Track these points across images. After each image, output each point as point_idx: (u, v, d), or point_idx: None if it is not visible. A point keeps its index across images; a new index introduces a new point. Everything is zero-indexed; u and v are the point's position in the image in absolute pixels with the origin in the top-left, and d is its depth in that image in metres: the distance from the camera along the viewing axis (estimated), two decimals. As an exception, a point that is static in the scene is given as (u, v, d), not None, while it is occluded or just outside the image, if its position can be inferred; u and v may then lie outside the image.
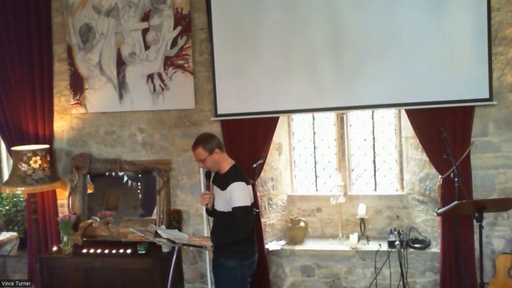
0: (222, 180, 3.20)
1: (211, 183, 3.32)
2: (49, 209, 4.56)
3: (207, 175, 3.34)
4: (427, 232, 4.09)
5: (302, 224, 4.33)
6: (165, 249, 4.08)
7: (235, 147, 4.12)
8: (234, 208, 3.08)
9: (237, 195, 3.10)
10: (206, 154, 3.17)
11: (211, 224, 3.42)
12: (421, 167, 4.12)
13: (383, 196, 4.37)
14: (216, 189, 3.26)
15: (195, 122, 4.31)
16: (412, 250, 3.98)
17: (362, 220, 4.23)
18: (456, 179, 3.61)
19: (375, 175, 4.45)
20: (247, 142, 4.09)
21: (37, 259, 4.33)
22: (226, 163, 3.25)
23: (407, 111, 3.87)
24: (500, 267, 3.67)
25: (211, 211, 3.33)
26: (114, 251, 4.15)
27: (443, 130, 3.68)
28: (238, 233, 3.11)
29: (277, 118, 4.09)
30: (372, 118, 4.42)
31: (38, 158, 4.23)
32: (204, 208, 3.48)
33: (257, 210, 4.01)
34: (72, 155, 4.58)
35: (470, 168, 3.77)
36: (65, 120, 4.62)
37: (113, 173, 4.56)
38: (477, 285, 3.60)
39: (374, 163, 4.44)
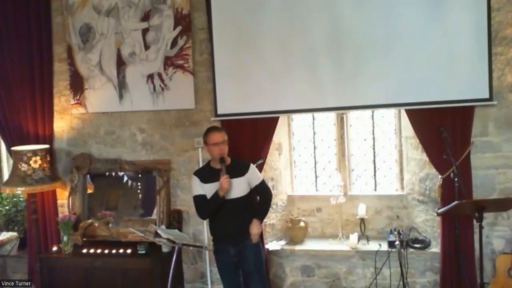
0: (236, 169, 3.48)
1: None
2: (49, 209, 4.56)
3: (222, 160, 3.45)
4: (427, 232, 4.09)
5: (302, 224, 4.33)
6: (165, 249, 4.08)
7: (235, 147, 4.11)
8: (262, 181, 3.59)
9: (258, 172, 3.66)
10: (226, 139, 3.52)
11: (223, 216, 3.50)
12: (421, 167, 4.12)
13: (383, 196, 4.37)
14: (231, 181, 3.43)
15: (195, 122, 4.31)
16: (412, 250, 3.98)
17: (362, 220, 4.23)
18: (456, 179, 3.61)
19: (375, 175, 4.45)
20: (247, 142, 4.09)
21: (37, 259, 4.33)
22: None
23: (407, 111, 3.87)
24: (500, 267, 3.67)
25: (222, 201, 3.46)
26: (114, 251, 4.15)
27: (443, 130, 3.68)
28: (271, 197, 3.67)
29: (277, 118, 4.09)
30: (372, 118, 4.42)
31: (38, 158, 4.23)
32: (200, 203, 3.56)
33: (257, 210, 4.01)
34: (72, 155, 4.58)
35: (470, 168, 3.77)
36: (65, 120, 4.62)
37: (113, 173, 4.56)
38: (477, 285, 3.60)
39: (374, 163, 4.44)
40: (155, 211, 4.36)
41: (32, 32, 4.46)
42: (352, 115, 4.42)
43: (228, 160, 3.52)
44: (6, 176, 4.91)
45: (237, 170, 3.49)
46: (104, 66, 4.44)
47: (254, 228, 3.49)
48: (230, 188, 3.41)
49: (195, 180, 3.56)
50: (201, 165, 4.29)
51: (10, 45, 4.49)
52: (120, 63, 4.39)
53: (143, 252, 4.09)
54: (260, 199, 3.69)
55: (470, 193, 3.74)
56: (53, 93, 4.60)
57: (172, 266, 3.43)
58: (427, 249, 3.99)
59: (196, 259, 4.44)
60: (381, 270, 4.00)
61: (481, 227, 3.34)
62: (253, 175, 3.56)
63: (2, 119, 4.56)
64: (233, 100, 4.10)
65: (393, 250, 3.85)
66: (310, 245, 4.28)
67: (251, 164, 3.61)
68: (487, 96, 3.67)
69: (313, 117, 4.53)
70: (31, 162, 4.20)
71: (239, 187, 3.48)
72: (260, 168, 4.10)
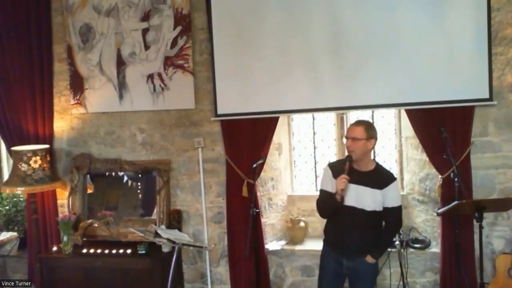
0: (372, 178, 3.10)
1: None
2: (49, 209, 4.56)
3: (349, 159, 3.12)
4: (427, 232, 4.09)
5: (302, 224, 4.33)
6: (165, 249, 4.08)
7: (235, 147, 4.12)
8: (398, 207, 3.14)
9: (399, 193, 3.20)
10: (364, 136, 3.08)
11: (339, 222, 3.17)
12: (421, 167, 4.12)
13: (383, 196, 4.36)
14: (358, 187, 3.08)
15: (195, 122, 4.31)
16: (412, 250, 3.98)
17: (362, 220, 4.22)
18: (456, 179, 3.60)
19: (375, 175, 4.45)
20: (247, 142, 4.09)
21: (37, 259, 4.32)
22: (371, 160, 3.20)
23: (407, 111, 3.87)
24: (500, 267, 3.67)
25: (340, 204, 3.08)
26: (114, 251, 4.15)
27: (443, 130, 3.68)
28: (397, 231, 3.38)
29: (277, 118, 4.09)
30: (372, 118, 4.42)
31: (38, 158, 4.23)
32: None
33: (257, 210, 4.01)
34: (72, 155, 4.58)
35: (470, 168, 3.77)
36: (65, 120, 4.62)
37: (113, 173, 4.56)
38: (477, 285, 3.61)
39: (374, 163, 4.44)
40: (155, 211, 4.36)
41: (32, 32, 4.46)
42: (352, 115, 4.42)
43: (371, 166, 3.15)
44: (6, 176, 4.91)
45: (374, 179, 3.08)
46: (104, 66, 4.44)
47: (370, 260, 3.19)
48: (346, 193, 3.04)
49: (328, 172, 3.19)
50: (201, 166, 4.30)
51: (10, 45, 4.49)
52: (120, 63, 4.39)
53: (143, 252, 4.09)
54: (385, 226, 3.19)
55: (470, 193, 3.74)
56: (53, 93, 4.59)
57: (172, 266, 3.43)
58: (427, 249, 3.99)
59: (196, 259, 4.44)
60: (381, 270, 4.00)
61: (481, 227, 3.35)
62: (391, 195, 3.09)
63: (2, 119, 4.56)
64: (233, 100, 4.10)
65: (393, 250, 3.84)
66: (310, 245, 4.28)
67: (396, 181, 3.14)
68: (487, 96, 3.68)
69: (313, 117, 4.53)
70: (31, 162, 4.20)
71: (367, 199, 3.07)
72: (260, 168, 4.10)
